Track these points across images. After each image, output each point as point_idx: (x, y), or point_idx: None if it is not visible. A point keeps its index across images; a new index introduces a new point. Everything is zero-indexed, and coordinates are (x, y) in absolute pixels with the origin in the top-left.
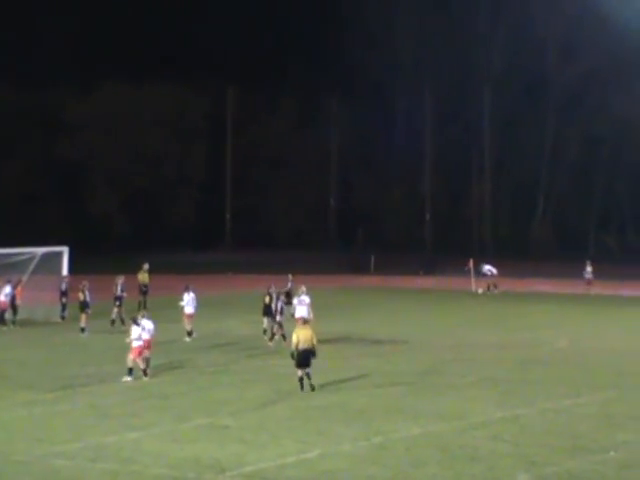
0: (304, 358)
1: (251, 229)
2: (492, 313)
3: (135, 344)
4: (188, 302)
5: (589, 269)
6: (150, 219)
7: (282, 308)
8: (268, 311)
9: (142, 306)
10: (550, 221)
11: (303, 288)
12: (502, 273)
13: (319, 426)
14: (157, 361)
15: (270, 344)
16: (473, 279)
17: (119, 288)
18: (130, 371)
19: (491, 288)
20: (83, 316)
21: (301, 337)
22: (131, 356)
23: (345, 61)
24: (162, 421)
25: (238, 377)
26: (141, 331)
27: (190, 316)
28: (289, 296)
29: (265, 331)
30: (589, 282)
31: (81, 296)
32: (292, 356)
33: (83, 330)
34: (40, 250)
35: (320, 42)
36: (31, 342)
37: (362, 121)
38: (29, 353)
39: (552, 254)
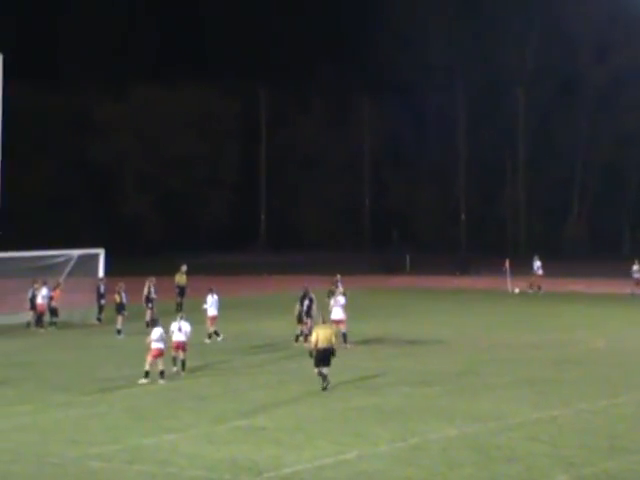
0: (324, 357)
1: (284, 230)
2: (528, 313)
3: (154, 346)
4: (212, 304)
5: (635, 267)
6: (183, 221)
7: (309, 308)
8: (305, 312)
9: (179, 308)
10: (584, 220)
11: (341, 289)
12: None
13: (355, 427)
14: (193, 363)
15: (296, 344)
16: (509, 279)
17: (152, 290)
18: (147, 374)
19: (534, 287)
20: (119, 318)
21: (321, 336)
22: (149, 358)
23: (377, 60)
24: (198, 423)
25: (274, 378)
26: (162, 333)
27: (213, 318)
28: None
29: (302, 332)
30: (638, 282)
31: (117, 298)
32: (310, 355)
33: (119, 332)
34: (76, 252)
35: (351, 42)
36: (68, 344)
37: (394, 121)
38: (66, 355)
39: (586, 253)
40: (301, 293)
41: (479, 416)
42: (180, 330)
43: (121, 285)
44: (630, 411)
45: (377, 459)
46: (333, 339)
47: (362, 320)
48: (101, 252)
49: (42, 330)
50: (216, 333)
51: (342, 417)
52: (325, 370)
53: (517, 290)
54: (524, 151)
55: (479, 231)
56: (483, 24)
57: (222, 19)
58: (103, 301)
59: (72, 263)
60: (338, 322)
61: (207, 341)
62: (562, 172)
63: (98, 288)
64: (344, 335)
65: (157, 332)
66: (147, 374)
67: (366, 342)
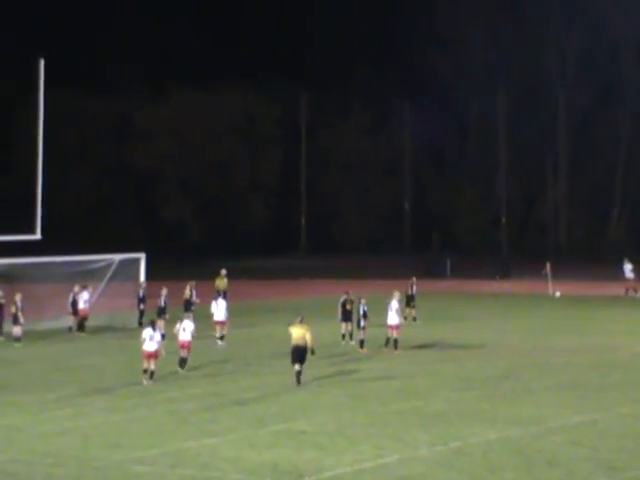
0: (297, 354)
1: (325, 234)
2: (569, 317)
3: (145, 347)
4: (219, 309)
5: (629, 266)
6: (224, 225)
7: (365, 313)
8: (347, 316)
9: None
10: (626, 223)
11: (396, 293)
12: (577, 276)
13: (396, 431)
14: (235, 367)
15: (362, 351)
16: (550, 283)
17: (193, 293)
18: (144, 372)
19: (630, 292)
20: (161, 322)
21: (294, 334)
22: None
23: (417, 63)
24: (239, 427)
25: (314, 382)
26: (152, 334)
27: (221, 323)
28: (411, 299)
29: (344, 336)
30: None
31: (160, 302)
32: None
33: (163, 337)
34: (117, 257)
35: (392, 45)
36: (109, 348)
37: (434, 123)
38: (107, 359)
39: (628, 257)
40: (343, 297)
41: (520, 420)
42: (184, 330)
43: (164, 289)
44: None
45: (418, 463)
46: (308, 337)
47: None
48: (142, 257)
49: (84, 335)
50: (221, 338)
51: (383, 421)
52: (297, 366)
53: (558, 294)
54: (565, 153)
55: (520, 234)
56: (524, 26)
57: (262, 23)
58: (143, 305)
59: (113, 268)
60: (392, 327)
61: (220, 343)
62: (603, 174)
63: (139, 292)
64: (395, 341)
65: (147, 332)
66: (145, 372)
67: (407, 346)
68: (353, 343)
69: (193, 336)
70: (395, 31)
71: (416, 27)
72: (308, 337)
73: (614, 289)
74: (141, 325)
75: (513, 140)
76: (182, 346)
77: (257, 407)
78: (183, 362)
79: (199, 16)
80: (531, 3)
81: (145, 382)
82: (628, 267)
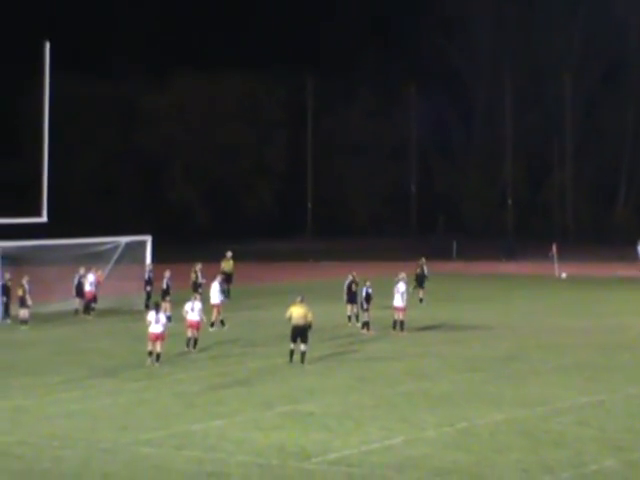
0: (298, 333)
1: (331, 217)
2: (575, 299)
3: (150, 329)
4: (212, 292)
5: None
6: (230, 208)
7: (368, 294)
8: (352, 298)
9: (227, 294)
10: (632, 206)
11: (402, 275)
12: (583, 258)
13: (402, 412)
14: (241, 349)
15: (366, 332)
16: (556, 264)
17: (199, 275)
18: (149, 354)
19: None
20: (165, 304)
21: (294, 314)
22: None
23: (423, 47)
24: (246, 409)
25: (321, 364)
26: (156, 316)
27: (217, 306)
28: (421, 280)
29: (350, 318)
30: None
31: (162, 284)
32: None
33: (169, 319)
34: (124, 239)
35: (398, 29)
36: (116, 331)
37: (440, 107)
38: (114, 342)
39: (634, 239)
40: (349, 279)
41: (527, 401)
42: (193, 310)
43: (167, 272)
44: None
45: (424, 444)
46: (309, 316)
47: (408, 306)
48: (148, 239)
49: (90, 317)
50: (222, 322)
51: (389, 403)
52: (302, 347)
53: (564, 275)
54: (571, 136)
55: (526, 217)
56: (530, 9)
57: (267, 6)
58: (150, 288)
59: (120, 250)
60: (398, 309)
61: (211, 329)
62: (609, 157)
63: (145, 275)
64: (402, 323)
65: (151, 315)
66: (150, 354)
67: (412, 328)
68: (359, 325)
69: (202, 317)
70: (401, 15)
71: (422, 11)
72: (310, 316)
73: (620, 271)
74: (147, 307)
75: (519, 123)
76: (191, 326)
77: (264, 389)
78: (194, 342)
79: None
80: None
81: (149, 362)
82: None
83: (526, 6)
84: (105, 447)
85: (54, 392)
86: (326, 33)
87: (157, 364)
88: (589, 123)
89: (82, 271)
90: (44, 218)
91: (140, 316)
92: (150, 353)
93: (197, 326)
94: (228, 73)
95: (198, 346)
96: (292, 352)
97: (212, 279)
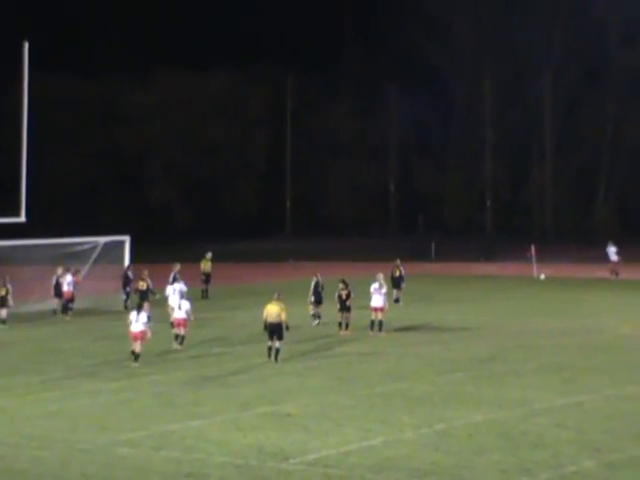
0: (274, 331)
1: (311, 216)
2: (554, 299)
3: (131, 328)
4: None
5: (612, 249)
6: (210, 208)
7: (341, 296)
8: (318, 299)
9: (205, 295)
10: (612, 206)
11: (380, 275)
12: (562, 259)
13: (381, 413)
14: (220, 349)
15: (342, 333)
16: (535, 265)
17: (149, 282)
18: (132, 353)
19: (613, 274)
20: (146, 304)
21: (269, 311)
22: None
23: (403, 46)
24: (225, 409)
25: (300, 365)
26: (137, 316)
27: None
28: (398, 281)
29: (314, 317)
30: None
31: (143, 285)
32: (265, 328)
33: (148, 318)
34: (102, 239)
35: (378, 28)
36: (94, 331)
37: (420, 106)
38: (92, 342)
39: (614, 239)
40: (315, 279)
41: (505, 402)
42: (180, 308)
43: (146, 272)
44: None
45: (403, 445)
46: (283, 315)
47: (388, 306)
48: (127, 239)
49: (68, 317)
50: (181, 338)
51: (368, 403)
52: (278, 344)
53: (543, 276)
54: (551, 136)
55: (505, 217)
56: (510, 8)
57: (249, 5)
58: (129, 288)
59: (98, 250)
60: (376, 309)
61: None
62: (589, 157)
63: (126, 275)
64: (380, 323)
65: (133, 315)
66: (133, 353)
67: (392, 328)
68: (316, 323)
69: (188, 314)
70: (382, 14)
71: (403, 10)
72: (283, 315)
73: (599, 271)
74: (127, 308)
75: (499, 123)
76: (178, 324)
77: (242, 389)
78: (180, 339)
79: None
80: None
81: (134, 364)
82: (612, 249)
83: (506, 5)
84: (84, 448)
85: (33, 392)
86: (308, 32)
87: (135, 364)
88: (569, 123)
89: (60, 271)
90: (23, 218)
91: (118, 316)
92: (133, 352)
93: (184, 324)
94: (209, 72)
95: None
96: (270, 349)
97: (191, 279)
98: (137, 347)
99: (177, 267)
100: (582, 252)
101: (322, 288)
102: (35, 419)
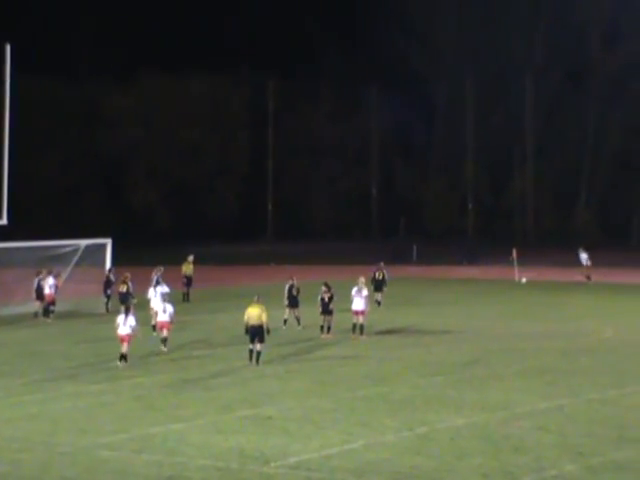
0: (255, 334)
1: (293, 219)
2: (536, 303)
3: (118, 331)
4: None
5: (584, 255)
6: (191, 211)
7: (323, 299)
8: (293, 302)
9: (186, 297)
10: (593, 210)
11: (362, 279)
12: (544, 262)
13: (363, 417)
14: (202, 352)
15: (323, 336)
16: (516, 269)
17: (129, 285)
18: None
19: (587, 279)
20: (124, 308)
21: (250, 314)
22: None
23: (384, 49)
24: (206, 412)
25: (281, 368)
26: (124, 319)
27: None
28: (379, 284)
29: (285, 322)
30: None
31: (123, 288)
32: (246, 331)
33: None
34: (84, 242)
35: (360, 31)
36: (75, 334)
37: (402, 109)
38: (74, 345)
39: (596, 243)
40: (289, 282)
41: (487, 406)
42: (165, 312)
43: (127, 275)
44: (639, 401)
45: (384, 448)
46: (263, 317)
47: (370, 309)
48: (108, 242)
49: (49, 320)
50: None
51: (349, 407)
52: (259, 346)
53: (524, 280)
54: (532, 139)
55: (487, 220)
56: (491, 12)
57: (230, 7)
58: (110, 291)
59: (79, 253)
60: (357, 313)
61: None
62: (571, 161)
63: (108, 278)
64: (361, 327)
65: (120, 318)
66: (121, 356)
67: (372, 332)
68: (300, 328)
69: (171, 317)
70: (363, 16)
71: (384, 12)
72: (264, 317)
73: (581, 275)
74: (108, 311)
75: (481, 126)
76: (161, 327)
77: (224, 393)
78: (164, 341)
79: (167, 1)
80: None
81: (119, 364)
82: (584, 256)
83: (488, 8)
84: (65, 450)
85: (14, 395)
86: (289, 35)
87: (120, 364)
88: (550, 126)
89: (42, 274)
90: (4, 221)
91: (100, 319)
92: (122, 354)
93: (167, 327)
94: (191, 75)
95: (157, 350)
96: (251, 352)
97: (173, 282)
98: (124, 348)
99: (160, 270)
100: (563, 256)
101: (297, 292)
102: (16, 422)
